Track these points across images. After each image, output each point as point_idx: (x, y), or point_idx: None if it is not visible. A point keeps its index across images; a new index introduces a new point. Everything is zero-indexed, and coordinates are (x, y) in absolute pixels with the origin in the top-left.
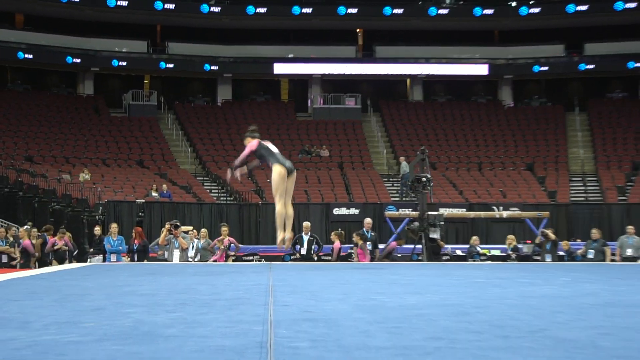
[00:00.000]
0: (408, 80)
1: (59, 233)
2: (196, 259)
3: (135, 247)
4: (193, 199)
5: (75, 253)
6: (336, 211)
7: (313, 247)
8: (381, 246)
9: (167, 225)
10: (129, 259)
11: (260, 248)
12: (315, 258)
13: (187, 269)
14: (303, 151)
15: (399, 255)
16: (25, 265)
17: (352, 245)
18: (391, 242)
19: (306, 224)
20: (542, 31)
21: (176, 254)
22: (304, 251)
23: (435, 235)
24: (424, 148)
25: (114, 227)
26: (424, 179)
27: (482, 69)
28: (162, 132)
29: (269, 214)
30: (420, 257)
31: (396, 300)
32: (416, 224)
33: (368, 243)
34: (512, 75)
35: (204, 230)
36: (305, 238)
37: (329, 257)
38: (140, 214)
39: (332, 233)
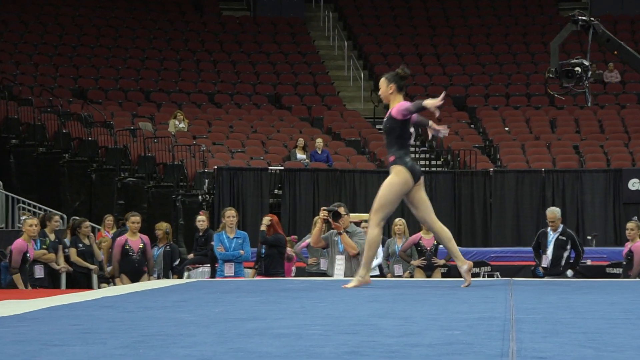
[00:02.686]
0: None
1: (130, 225)
2: (389, 272)
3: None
4: (370, 163)
5: (176, 263)
6: (634, 184)
7: (566, 253)
8: None
9: (323, 213)
10: (256, 270)
11: (492, 252)
12: (570, 273)
13: (360, 290)
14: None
15: None
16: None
17: None
18: None
19: (553, 210)
20: None
21: (340, 262)
22: (545, 262)
23: None
24: (577, 13)
25: (229, 215)
26: (577, 68)
27: None
28: (314, 44)
29: (508, 189)
30: None
31: None
32: None
33: None
34: None
35: (399, 221)
36: (552, 237)
37: (616, 270)
38: (276, 190)
39: (630, 224)
